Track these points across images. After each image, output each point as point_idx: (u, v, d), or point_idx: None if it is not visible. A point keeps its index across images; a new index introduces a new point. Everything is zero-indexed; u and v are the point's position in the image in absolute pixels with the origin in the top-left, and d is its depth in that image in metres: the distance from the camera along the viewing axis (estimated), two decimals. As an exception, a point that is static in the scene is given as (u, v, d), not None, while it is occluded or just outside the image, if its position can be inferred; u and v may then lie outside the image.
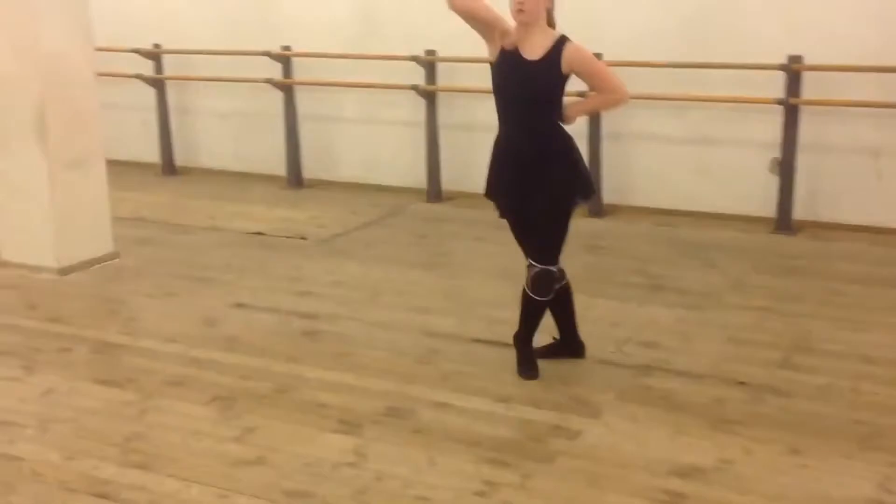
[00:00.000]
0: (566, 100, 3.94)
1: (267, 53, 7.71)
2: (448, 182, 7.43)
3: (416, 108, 7.40)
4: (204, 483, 3.30)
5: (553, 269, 3.96)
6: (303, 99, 7.89)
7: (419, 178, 7.51)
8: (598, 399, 3.90)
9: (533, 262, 3.97)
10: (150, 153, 8.54)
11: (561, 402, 3.88)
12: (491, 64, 3.95)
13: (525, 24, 3.80)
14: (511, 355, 4.25)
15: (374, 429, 3.70)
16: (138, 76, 8.25)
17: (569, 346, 4.30)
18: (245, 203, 7.49)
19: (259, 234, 6.55)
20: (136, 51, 8.25)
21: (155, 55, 8.32)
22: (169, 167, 8.51)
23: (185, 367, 4.30)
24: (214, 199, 7.60)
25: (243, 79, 7.95)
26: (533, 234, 3.99)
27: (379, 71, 7.48)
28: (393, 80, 7.43)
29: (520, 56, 3.83)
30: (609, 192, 6.98)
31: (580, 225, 6.60)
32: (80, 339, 4.66)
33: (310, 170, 8.02)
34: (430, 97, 7.28)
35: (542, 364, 4.22)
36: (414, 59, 7.20)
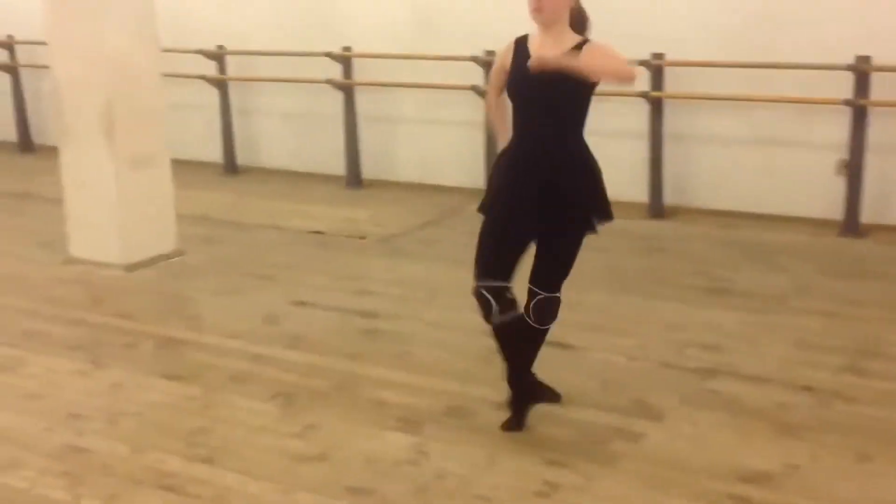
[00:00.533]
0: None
1: (328, 54, 7.77)
2: (507, 182, 7.40)
3: (475, 109, 7.39)
4: (267, 478, 3.33)
5: (559, 296, 3.59)
6: (362, 99, 7.93)
7: (477, 179, 7.49)
8: (660, 402, 3.86)
9: (537, 290, 3.57)
10: (213, 153, 8.66)
11: (622, 405, 3.84)
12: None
13: (543, 25, 3.39)
14: (574, 358, 4.22)
15: (434, 427, 3.71)
16: (202, 77, 8.37)
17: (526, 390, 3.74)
18: (305, 202, 7.55)
19: (319, 232, 6.61)
20: (201, 52, 8.37)
21: (218, 56, 8.44)
22: (231, 166, 8.62)
23: (248, 364, 4.35)
24: (275, 199, 7.68)
25: (304, 79, 8.02)
26: (544, 259, 3.56)
27: (438, 71, 7.50)
28: (452, 80, 7.44)
29: (529, 57, 3.36)
30: (670, 193, 6.90)
31: (638, 226, 6.60)
32: (146, 334, 4.74)
33: (369, 170, 8.06)
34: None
35: (604, 366, 4.19)
36: (474, 59, 7.20)
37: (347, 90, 7.85)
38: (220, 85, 8.45)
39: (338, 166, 8.09)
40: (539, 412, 3.78)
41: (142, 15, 5.79)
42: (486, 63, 7.20)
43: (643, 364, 4.26)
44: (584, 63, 3.26)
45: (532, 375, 3.76)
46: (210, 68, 8.46)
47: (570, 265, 3.58)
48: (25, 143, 9.57)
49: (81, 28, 5.65)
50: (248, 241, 6.46)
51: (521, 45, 3.49)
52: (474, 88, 7.24)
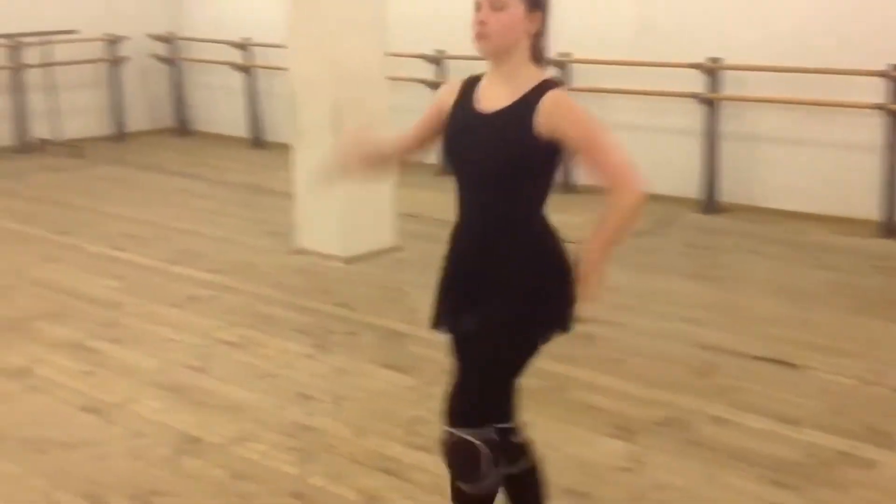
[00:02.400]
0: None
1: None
2: (726, 193, 7.20)
3: (693, 117, 7.22)
4: (484, 471, 3.39)
5: (478, 438, 2.48)
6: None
7: (693, 188, 7.32)
8: (895, 430, 3.64)
9: (450, 424, 2.56)
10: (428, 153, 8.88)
11: (853, 430, 3.65)
12: None
13: (491, 58, 2.50)
14: (799, 378, 4.04)
15: (649, 437, 3.66)
16: (421, 81, 8.62)
17: None
18: (517, 205, 7.60)
19: (532, 236, 6.64)
20: (421, 56, 8.62)
21: (437, 60, 8.66)
22: (444, 167, 8.80)
23: (463, 359, 4.44)
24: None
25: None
26: (462, 371, 2.61)
27: (656, 78, 7.37)
28: (670, 87, 7.30)
29: (471, 106, 2.52)
30: (905, 211, 6.48)
31: (871, 245, 6.22)
32: (366, 324, 4.94)
33: (582, 175, 8.03)
34: (711, 105, 7.08)
35: (833, 388, 3.98)
36: (696, 66, 7.04)
37: (564, 96, 7.86)
38: (437, 87, 8.65)
39: (550, 171, 8.10)
40: (761, 431, 3.64)
41: (372, 20, 6.04)
42: (709, 70, 7.03)
43: (877, 389, 4.02)
44: (609, 234, 2.49)
45: None
46: (429, 72, 8.69)
47: (492, 385, 2.54)
48: (256, 139, 10.17)
49: (317, 32, 5.95)
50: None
51: (468, 87, 2.57)
52: (695, 96, 7.08)
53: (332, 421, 3.83)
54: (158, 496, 3.29)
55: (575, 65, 7.86)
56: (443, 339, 4.61)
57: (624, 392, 4.06)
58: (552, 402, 3.97)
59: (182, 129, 10.92)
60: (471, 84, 2.57)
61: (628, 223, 2.49)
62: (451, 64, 8.69)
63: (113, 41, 10.27)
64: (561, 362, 4.38)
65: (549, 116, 2.39)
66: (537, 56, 2.50)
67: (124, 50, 10.40)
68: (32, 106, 9.80)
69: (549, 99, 2.40)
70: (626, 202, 2.45)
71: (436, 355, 4.49)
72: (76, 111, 10.17)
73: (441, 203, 7.66)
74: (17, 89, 9.72)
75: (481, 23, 2.43)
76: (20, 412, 3.97)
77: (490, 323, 2.50)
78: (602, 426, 3.75)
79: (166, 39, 10.70)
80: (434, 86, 8.66)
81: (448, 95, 2.61)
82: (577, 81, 7.88)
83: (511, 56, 2.46)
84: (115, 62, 10.37)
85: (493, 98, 2.48)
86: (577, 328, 4.81)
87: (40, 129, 9.90)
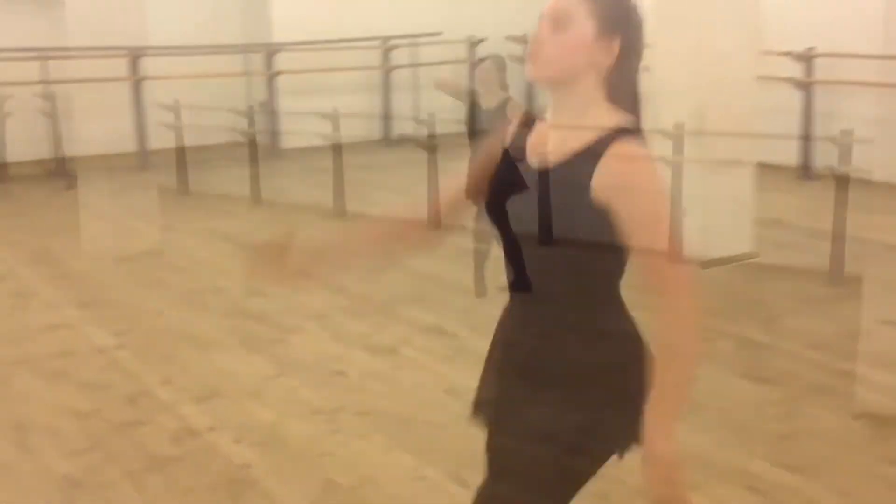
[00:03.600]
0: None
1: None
2: None
3: None
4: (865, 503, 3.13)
5: None
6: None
7: None
8: None
9: None
10: (787, 155, 8.39)
11: None
12: None
13: (548, 88, 1.90)
14: None
15: None
16: (789, 79, 8.16)
17: None
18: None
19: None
20: (788, 54, 8.16)
21: (806, 58, 8.16)
22: (806, 171, 8.28)
23: (831, 377, 4.14)
24: (875, 213, 7.12)
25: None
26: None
27: None
28: None
29: (521, 155, 1.92)
30: None
31: None
32: (721, 331, 4.74)
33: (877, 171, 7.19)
34: None
35: None
36: None
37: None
38: (806, 88, 8.16)
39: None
40: None
41: (745, 17, 5.77)
42: None
43: None
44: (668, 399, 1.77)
45: None
46: (796, 71, 8.21)
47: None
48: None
49: (684, 30, 5.78)
50: (826, 251, 6.13)
51: (522, 128, 1.98)
52: None
53: (688, 429, 3.70)
54: (517, 484, 3.35)
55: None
56: (806, 354, 4.35)
57: None
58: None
59: (530, 126, 11.19)
60: (525, 124, 1.97)
61: (687, 366, 1.80)
62: (821, 63, 8.16)
63: (473, 43, 10.76)
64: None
65: (609, 176, 1.78)
66: (616, 98, 1.85)
67: (483, 51, 10.84)
68: (397, 104, 10.53)
69: (613, 153, 1.78)
70: (679, 322, 1.78)
71: (801, 370, 4.22)
72: (434, 109, 10.77)
73: (803, 210, 7.27)
74: (387, 88, 10.49)
75: (536, 41, 1.86)
76: (389, 389, 4.24)
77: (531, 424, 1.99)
78: None
79: (522, 40, 11.01)
80: (803, 87, 8.17)
81: (501, 134, 2.00)
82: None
83: (573, 91, 1.86)
84: (475, 63, 10.85)
85: (547, 147, 1.87)
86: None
87: (402, 125, 10.61)
